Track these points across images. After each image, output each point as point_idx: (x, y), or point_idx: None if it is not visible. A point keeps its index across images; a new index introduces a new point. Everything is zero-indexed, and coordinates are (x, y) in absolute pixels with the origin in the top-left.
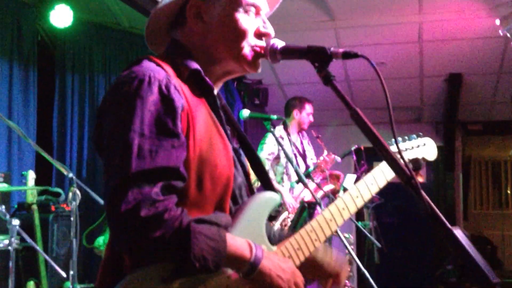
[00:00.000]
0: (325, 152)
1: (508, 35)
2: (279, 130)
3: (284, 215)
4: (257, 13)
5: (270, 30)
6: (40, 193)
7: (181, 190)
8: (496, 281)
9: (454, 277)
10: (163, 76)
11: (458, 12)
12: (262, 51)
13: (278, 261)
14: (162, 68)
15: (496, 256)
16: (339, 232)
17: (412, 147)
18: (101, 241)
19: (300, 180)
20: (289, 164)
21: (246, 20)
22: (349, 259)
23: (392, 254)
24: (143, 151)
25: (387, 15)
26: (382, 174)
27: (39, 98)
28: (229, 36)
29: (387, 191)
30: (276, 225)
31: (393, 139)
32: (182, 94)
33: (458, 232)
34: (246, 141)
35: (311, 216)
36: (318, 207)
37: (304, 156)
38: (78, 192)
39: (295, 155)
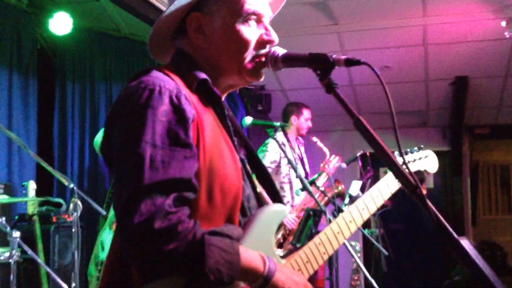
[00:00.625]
0: (328, 155)
1: None
2: (280, 136)
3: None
4: (259, 20)
5: (273, 36)
6: (41, 204)
7: (192, 202)
8: None
9: None
10: (173, 86)
11: (463, 14)
12: (264, 60)
13: (290, 274)
14: (171, 78)
15: (506, 262)
16: (345, 240)
17: (414, 160)
18: (92, 269)
19: (305, 188)
20: (291, 173)
21: (248, 31)
22: (356, 267)
23: (399, 262)
24: (155, 162)
25: (390, 18)
26: (387, 186)
27: (39, 107)
28: (231, 48)
29: (394, 197)
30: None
31: (397, 152)
32: (192, 105)
33: (466, 243)
34: (253, 152)
35: (316, 224)
36: (323, 216)
37: (303, 163)
38: (79, 203)
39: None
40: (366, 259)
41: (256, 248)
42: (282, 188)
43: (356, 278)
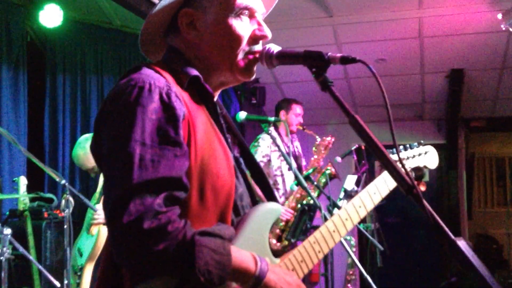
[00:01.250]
0: (318, 139)
1: (511, 29)
2: (272, 131)
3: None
4: (252, 16)
5: (266, 32)
6: (32, 200)
7: (183, 201)
8: None
9: None
10: (164, 84)
11: (458, 6)
12: (257, 56)
13: (283, 274)
14: (162, 75)
15: (502, 255)
16: None
17: (414, 156)
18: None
19: (299, 183)
20: (283, 166)
21: (241, 26)
22: (351, 262)
23: (395, 256)
24: (144, 161)
25: (386, 10)
26: (384, 184)
27: (30, 101)
28: (223, 44)
29: (391, 191)
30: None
31: (393, 149)
32: (183, 102)
33: (462, 243)
34: (247, 150)
35: (311, 219)
36: (318, 210)
37: (296, 158)
38: (71, 199)
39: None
40: (361, 254)
41: (249, 248)
42: (276, 181)
43: (351, 273)
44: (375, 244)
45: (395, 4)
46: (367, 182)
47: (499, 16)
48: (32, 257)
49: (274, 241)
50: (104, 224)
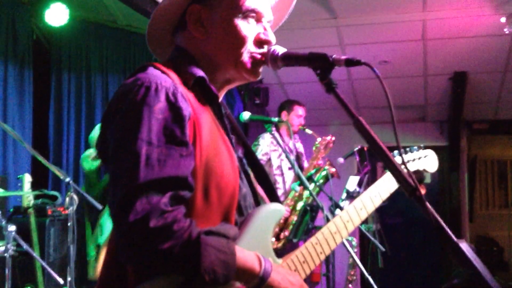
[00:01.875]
0: (318, 139)
1: None
2: (274, 132)
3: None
4: (259, 20)
5: (271, 37)
6: (37, 197)
7: (188, 201)
8: None
9: None
10: (170, 84)
11: (462, 9)
12: (263, 58)
13: (286, 275)
14: (168, 75)
15: (503, 258)
16: None
17: (414, 159)
18: (92, 250)
19: (302, 184)
20: (283, 164)
21: (246, 27)
22: (352, 262)
23: (396, 257)
24: (151, 160)
25: (390, 13)
26: (385, 186)
27: (35, 99)
28: (228, 42)
29: (392, 193)
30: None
31: (396, 151)
32: (188, 102)
33: (464, 245)
34: (250, 150)
35: (313, 219)
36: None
37: (298, 158)
38: (75, 197)
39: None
40: (362, 254)
41: (253, 248)
42: (275, 180)
43: (352, 273)
44: (376, 245)
45: (399, 6)
46: (369, 183)
47: (503, 19)
48: (35, 254)
49: (273, 239)
50: None
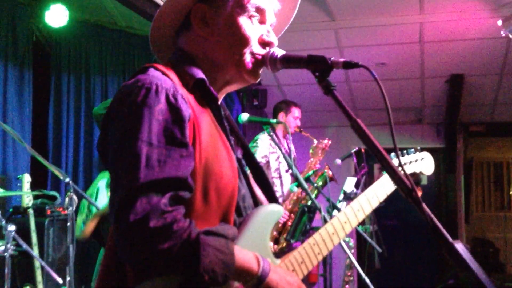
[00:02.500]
0: (315, 142)
1: (510, 36)
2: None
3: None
4: (262, 21)
5: (273, 39)
6: (36, 197)
7: (187, 201)
8: None
9: None
10: (170, 85)
11: (459, 12)
12: (262, 60)
13: (284, 274)
14: (168, 77)
15: (499, 259)
16: None
17: (411, 162)
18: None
19: (300, 185)
20: (281, 167)
21: (250, 27)
22: (349, 263)
23: (393, 258)
24: (151, 161)
25: (387, 15)
26: (382, 188)
27: (34, 100)
28: (232, 41)
29: (389, 196)
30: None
31: (393, 153)
32: (188, 104)
33: (460, 246)
34: (249, 151)
35: (310, 220)
36: (318, 212)
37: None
38: (75, 197)
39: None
40: (359, 255)
41: (251, 248)
42: (273, 183)
43: (349, 274)
44: (373, 246)
45: (396, 9)
46: (366, 185)
47: (499, 22)
48: (35, 253)
49: (271, 243)
50: None
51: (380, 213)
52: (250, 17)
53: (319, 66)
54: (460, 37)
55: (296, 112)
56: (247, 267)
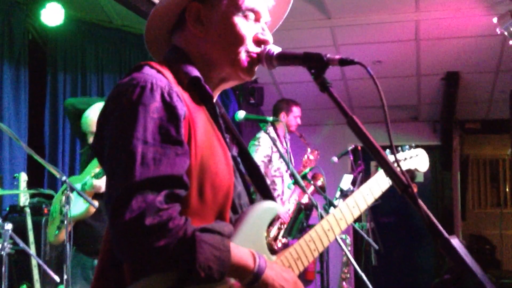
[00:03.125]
0: (309, 150)
1: (506, 33)
2: (271, 132)
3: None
4: (257, 19)
5: (268, 37)
6: (32, 196)
7: (183, 199)
8: None
9: (451, 287)
10: (165, 83)
11: (455, 10)
12: (258, 57)
13: (280, 271)
14: (163, 75)
15: (495, 255)
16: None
17: (405, 158)
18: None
19: (297, 182)
20: (282, 167)
21: (245, 26)
22: (346, 260)
23: (389, 255)
24: (146, 159)
25: (383, 13)
26: (377, 185)
27: (30, 98)
28: (226, 40)
29: (384, 192)
30: (273, 232)
31: (389, 150)
32: (183, 102)
33: (456, 242)
34: (245, 149)
35: (307, 218)
36: (314, 209)
37: (290, 158)
38: (71, 195)
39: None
40: (356, 252)
41: (247, 245)
42: (273, 181)
43: (346, 271)
44: (370, 243)
45: (392, 7)
46: (362, 182)
47: (495, 20)
48: (32, 252)
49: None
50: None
51: (376, 210)
52: (245, 16)
53: (315, 63)
54: (455, 35)
55: (297, 111)
56: (243, 264)
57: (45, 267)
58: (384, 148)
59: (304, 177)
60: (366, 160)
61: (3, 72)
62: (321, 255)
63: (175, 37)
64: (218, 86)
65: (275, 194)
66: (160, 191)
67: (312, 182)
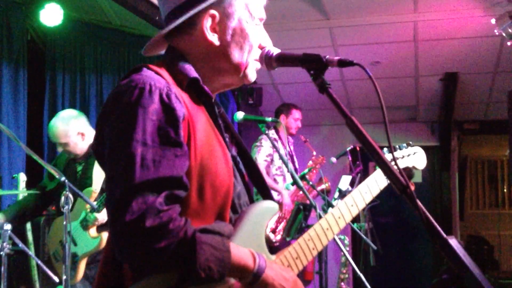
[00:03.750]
0: (315, 153)
1: (504, 34)
2: (272, 133)
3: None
4: (259, 24)
5: (269, 44)
6: None
7: (183, 200)
8: None
9: (449, 287)
10: (164, 85)
11: (453, 11)
12: (258, 59)
13: (280, 270)
14: (162, 76)
15: (493, 256)
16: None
17: (403, 156)
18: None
19: (295, 182)
20: (284, 166)
21: (256, 34)
22: (344, 261)
23: (388, 255)
24: (146, 161)
25: (382, 14)
26: (375, 184)
27: (29, 98)
28: (240, 49)
29: (382, 191)
30: (270, 224)
31: (386, 149)
32: (182, 103)
33: (453, 242)
34: (244, 149)
35: (306, 218)
36: (313, 210)
37: (293, 160)
38: (70, 196)
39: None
40: (354, 253)
41: (247, 245)
42: (275, 180)
43: (344, 271)
44: (368, 243)
45: (391, 8)
46: (361, 183)
47: (493, 21)
48: (31, 252)
49: (272, 235)
50: (102, 225)
51: (375, 211)
52: (256, 24)
53: (314, 64)
54: (454, 36)
55: (296, 114)
56: (243, 264)
57: (44, 267)
58: (383, 148)
59: (303, 177)
60: (364, 160)
61: (2, 73)
62: (319, 255)
63: (174, 40)
64: (219, 89)
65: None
66: (160, 193)
67: (310, 183)
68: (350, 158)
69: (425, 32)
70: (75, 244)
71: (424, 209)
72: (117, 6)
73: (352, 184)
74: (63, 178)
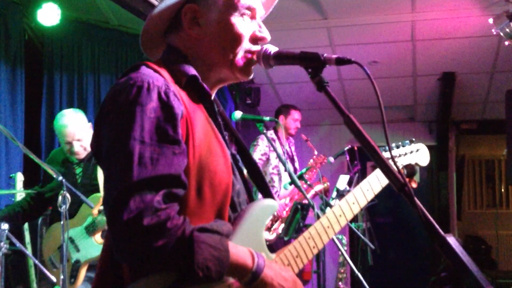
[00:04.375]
0: (316, 152)
1: (501, 34)
2: (271, 133)
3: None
4: (253, 17)
5: (266, 34)
6: None
7: (181, 198)
8: None
9: (448, 284)
10: (162, 83)
11: (451, 10)
12: (255, 57)
13: (279, 270)
14: (160, 74)
15: (491, 256)
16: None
17: (406, 153)
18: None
19: (293, 182)
20: (280, 166)
21: (242, 25)
22: (342, 260)
23: (385, 255)
24: (144, 159)
25: (379, 14)
26: (377, 181)
27: (27, 98)
28: (224, 41)
29: (380, 191)
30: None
31: (386, 146)
32: (181, 101)
33: (452, 240)
34: (244, 147)
35: (304, 218)
36: (311, 209)
37: (293, 160)
38: (68, 195)
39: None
40: (352, 252)
41: (246, 244)
42: (272, 179)
43: (342, 271)
44: (366, 243)
45: (388, 7)
46: (359, 182)
47: (490, 20)
48: (28, 252)
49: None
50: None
51: (373, 210)
52: (241, 15)
53: (312, 63)
54: (451, 35)
55: (295, 114)
56: (241, 263)
57: (42, 267)
58: (381, 148)
59: (301, 177)
60: (362, 160)
61: (0, 72)
62: (317, 255)
63: (170, 37)
64: (215, 86)
65: (274, 190)
66: (158, 191)
67: (308, 182)
68: (348, 158)
69: (422, 31)
70: (78, 250)
71: (422, 207)
72: (114, 6)
73: (350, 183)
74: (60, 178)
